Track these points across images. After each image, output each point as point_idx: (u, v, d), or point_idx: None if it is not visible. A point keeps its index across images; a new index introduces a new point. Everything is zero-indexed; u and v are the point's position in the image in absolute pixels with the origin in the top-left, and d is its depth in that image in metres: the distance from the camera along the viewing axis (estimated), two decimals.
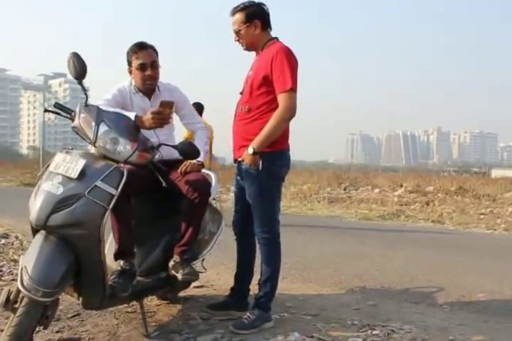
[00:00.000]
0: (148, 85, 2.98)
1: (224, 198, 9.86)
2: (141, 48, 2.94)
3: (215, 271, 4.27)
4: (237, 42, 3.02)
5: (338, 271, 4.62)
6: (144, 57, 2.92)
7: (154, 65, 2.95)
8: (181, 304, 3.36)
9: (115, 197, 2.31)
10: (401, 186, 14.67)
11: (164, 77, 3.06)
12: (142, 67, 2.92)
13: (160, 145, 2.68)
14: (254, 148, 2.76)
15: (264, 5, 2.97)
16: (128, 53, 2.96)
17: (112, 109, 2.63)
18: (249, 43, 2.99)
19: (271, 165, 2.84)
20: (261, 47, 2.98)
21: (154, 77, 2.97)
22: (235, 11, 2.95)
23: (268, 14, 2.98)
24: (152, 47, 2.97)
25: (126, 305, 3.12)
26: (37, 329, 2.29)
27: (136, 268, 2.77)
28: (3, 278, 3.92)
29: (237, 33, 2.96)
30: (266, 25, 2.97)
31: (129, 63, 2.97)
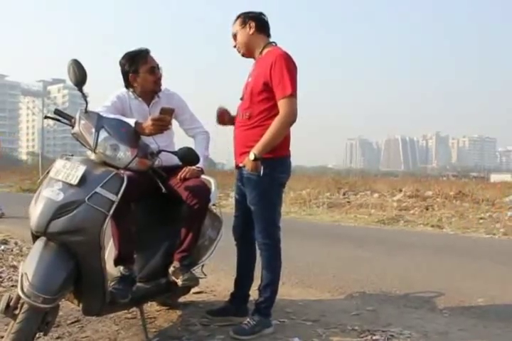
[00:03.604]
0: (158, 87, 3.06)
1: (223, 204, 9.86)
2: (147, 53, 3.02)
3: (215, 276, 4.26)
4: (235, 49, 3.06)
5: (337, 277, 4.62)
6: (152, 61, 3.02)
7: (159, 68, 3.06)
8: (181, 310, 3.36)
9: (115, 204, 2.31)
10: (400, 191, 14.65)
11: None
12: (153, 70, 3.01)
13: (160, 151, 2.69)
14: (255, 154, 2.77)
15: (263, 14, 3.04)
16: (131, 61, 2.98)
17: (111, 116, 2.64)
18: (244, 44, 3.01)
19: (272, 171, 2.85)
20: (259, 52, 3.00)
21: (161, 79, 3.07)
22: (235, 19, 3.04)
23: (265, 21, 3.03)
24: None
25: (126, 311, 3.11)
26: (37, 335, 2.29)
27: (136, 274, 2.78)
28: (2, 284, 3.92)
29: (235, 36, 3.03)
30: (261, 27, 3.00)
31: (135, 70, 2.99)
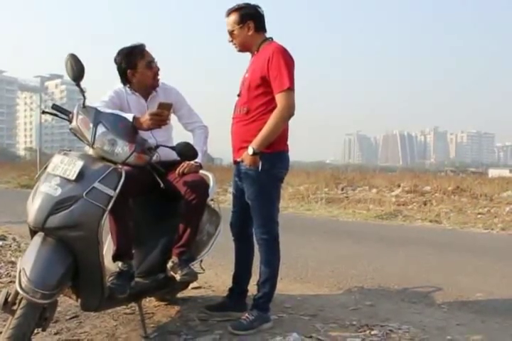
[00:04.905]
0: (157, 81, 3.05)
1: (221, 199, 9.86)
2: (143, 48, 3.00)
3: (213, 271, 4.27)
4: (231, 44, 3.03)
5: (336, 272, 4.63)
6: (149, 55, 3.01)
7: (155, 62, 3.05)
8: (179, 305, 3.36)
9: (113, 199, 2.30)
10: (398, 186, 14.65)
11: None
12: (151, 65, 3.00)
13: (158, 146, 2.68)
14: (253, 149, 2.76)
15: (259, 7, 2.98)
16: (128, 57, 2.96)
17: (109, 111, 2.62)
18: (242, 44, 3.00)
19: (270, 166, 2.84)
20: (256, 49, 2.98)
21: (158, 73, 3.06)
22: (229, 12, 2.97)
23: (262, 16, 2.99)
24: None
25: (124, 306, 3.12)
26: (35, 331, 2.28)
27: (134, 270, 2.77)
28: (0, 280, 3.91)
29: (231, 33, 2.98)
30: (259, 26, 2.97)
31: (133, 66, 2.97)
